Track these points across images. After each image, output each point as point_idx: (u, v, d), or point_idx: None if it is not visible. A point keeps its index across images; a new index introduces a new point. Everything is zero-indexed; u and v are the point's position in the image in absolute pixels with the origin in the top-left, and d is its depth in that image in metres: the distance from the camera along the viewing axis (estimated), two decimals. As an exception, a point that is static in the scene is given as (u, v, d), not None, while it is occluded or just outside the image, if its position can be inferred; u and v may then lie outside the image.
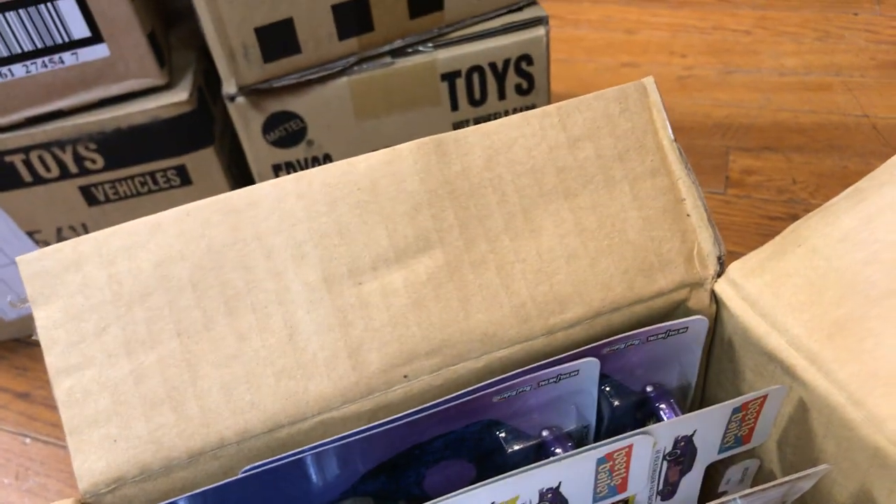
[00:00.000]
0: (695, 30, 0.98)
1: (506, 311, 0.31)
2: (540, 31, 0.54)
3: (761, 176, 0.76)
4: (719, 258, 0.33)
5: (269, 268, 0.29)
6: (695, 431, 0.27)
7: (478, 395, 0.28)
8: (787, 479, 0.27)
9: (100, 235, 0.29)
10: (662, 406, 0.31)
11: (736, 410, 0.28)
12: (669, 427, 0.27)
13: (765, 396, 0.28)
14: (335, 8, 0.49)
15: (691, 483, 0.30)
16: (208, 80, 0.57)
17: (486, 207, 0.31)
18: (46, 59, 0.50)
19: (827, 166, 0.76)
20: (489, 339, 0.30)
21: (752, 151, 0.79)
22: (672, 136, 0.34)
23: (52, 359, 0.28)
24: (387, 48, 0.52)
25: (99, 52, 0.50)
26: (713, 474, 0.34)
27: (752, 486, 0.32)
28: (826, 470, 0.28)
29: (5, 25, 0.48)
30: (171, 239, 0.29)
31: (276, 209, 0.30)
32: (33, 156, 0.54)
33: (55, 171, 0.55)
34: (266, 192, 0.30)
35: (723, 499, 0.27)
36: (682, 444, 0.27)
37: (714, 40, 0.96)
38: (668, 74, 0.91)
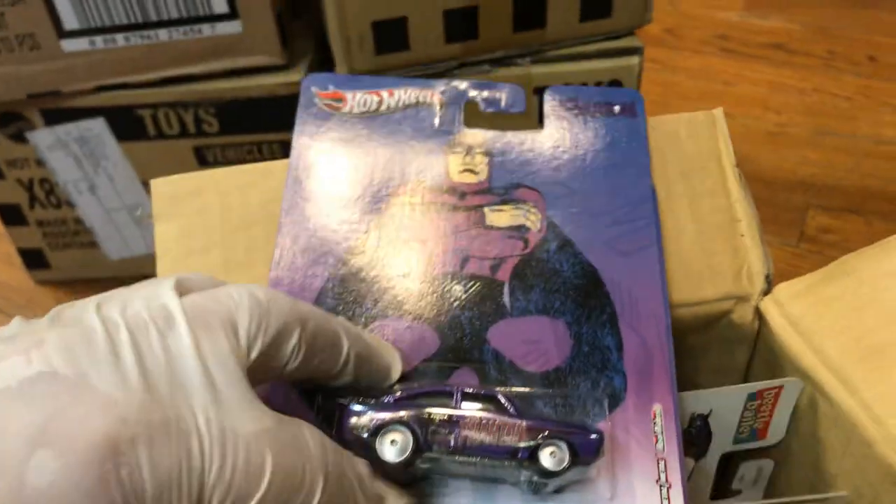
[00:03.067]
0: (794, 90, 0.98)
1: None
2: (634, 61, 0.57)
3: (838, 236, 0.76)
4: (767, 277, 0.35)
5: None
6: (710, 411, 0.30)
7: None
8: (807, 497, 0.29)
9: (219, 172, 0.34)
10: None
11: (751, 397, 0.30)
12: (683, 399, 0.29)
13: (780, 387, 0.30)
14: (447, 13, 0.54)
15: (706, 471, 0.32)
16: (320, 69, 0.62)
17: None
18: (188, 27, 0.56)
19: (908, 236, 0.75)
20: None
21: (832, 211, 0.79)
22: (735, 162, 0.36)
23: (161, 267, 0.33)
24: (486, 57, 0.57)
25: (233, 27, 0.56)
26: (728, 470, 0.36)
27: (765, 490, 0.34)
28: (845, 499, 0.29)
29: (159, -6, 0.54)
30: (278, 183, 0.34)
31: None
32: (160, 112, 0.60)
33: (176, 129, 0.61)
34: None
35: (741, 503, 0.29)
36: (698, 423, 0.30)
37: (812, 102, 0.96)
38: (759, 128, 0.92)
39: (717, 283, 0.35)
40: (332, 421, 0.27)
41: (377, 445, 0.26)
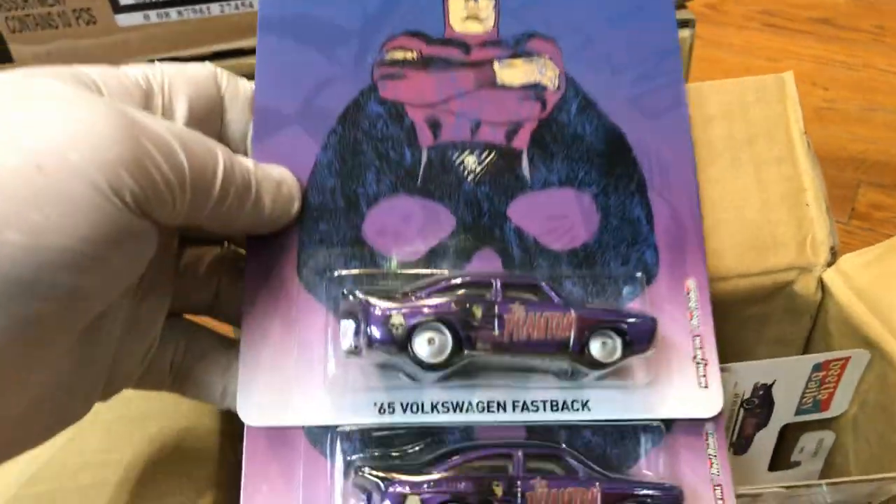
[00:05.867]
0: (842, 65, 0.96)
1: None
2: (686, 33, 0.56)
3: (890, 212, 0.75)
4: (832, 248, 0.34)
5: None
6: (774, 381, 0.29)
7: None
8: (878, 476, 0.29)
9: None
10: None
11: (817, 367, 0.30)
12: (747, 368, 0.29)
13: (847, 358, 0.29)
14: None
15: (765, 441, 0.32)
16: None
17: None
18: (239, 2, 0.56)
19: (962, 212, 0.74)
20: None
21: (884, 188, 0.78)
22: (803, 129, 0.36)
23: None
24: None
25: (283, 1, 0.56)
26: (787, 441, 0.36)
27: (825, 462, 0.33)
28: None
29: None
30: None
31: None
32: (211, 87, 0.60)
33: (226, 104, 0.61)
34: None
35: (808, 482, 0.29)
36: (761, 392, 0.29)
37: (861, 77, 0.93)
38: (806, 104, 0.89)
39: (779, 254, 0.34)
40: (356, 320, 0.25)
41: (412, 345, 0.24)
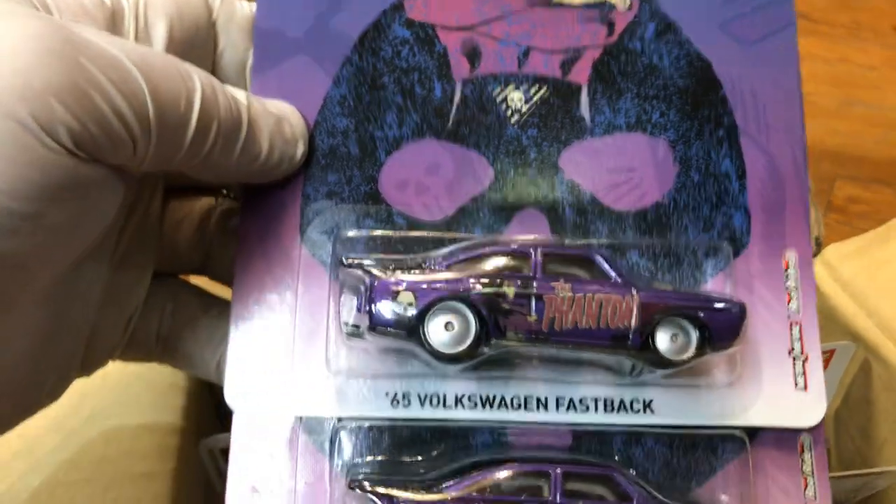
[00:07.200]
0: (819, 59, 0.95)
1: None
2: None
3: (867, 206, 0.74)
4: (817, 239, 0.33)
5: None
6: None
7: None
8: (865, 472, 0.26)
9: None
10: None
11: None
12: None
13: (832, 351, 0.27)
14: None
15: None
16: None
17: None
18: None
19: (940, 207, 0.74)
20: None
21: (861, 182, 0.77)
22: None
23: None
24: None
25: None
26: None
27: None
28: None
29: None
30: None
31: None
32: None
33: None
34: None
35: None
36: None
37: (838, 72, 0.93)
38: (785, 95, 0.89)
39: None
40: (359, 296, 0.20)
41: (425, 331, 0.19)
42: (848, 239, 0.33)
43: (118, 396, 0.30)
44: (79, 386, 0.23)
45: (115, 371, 0.30)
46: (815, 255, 0.32)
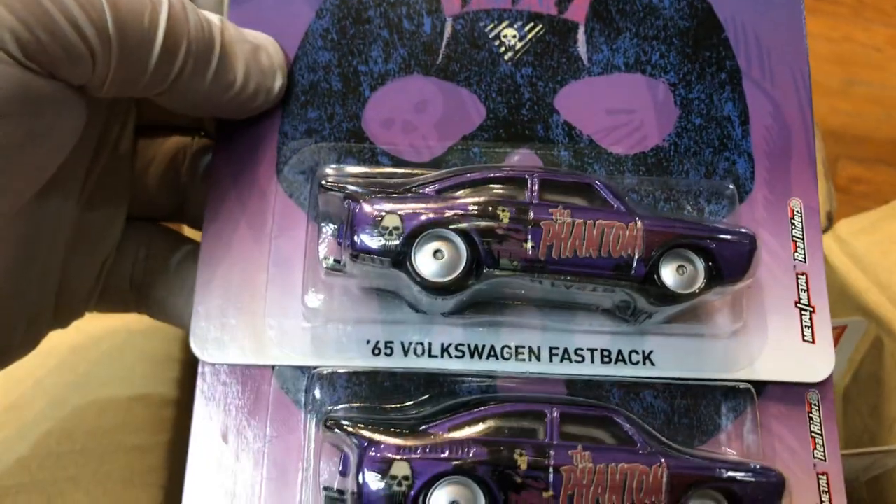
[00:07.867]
0: (823, 38, 0.94)
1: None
2: None
3: (869, 186, 0.73)
4: (829, 214, 0.32)
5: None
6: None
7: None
8: (876, 449, 0.25)
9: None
10: None
11: None
12: None
13: (844, 327, 0.26)
14: None
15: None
16: None
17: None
18: None
19: (943, 188, 0.73)
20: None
21: (863, 162, 0.76)
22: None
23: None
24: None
25: None
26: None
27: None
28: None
29: None
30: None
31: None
32: None
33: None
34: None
35: None
36: None
37: (842, 51, 0.92)
38: (787, 73, 0.87)
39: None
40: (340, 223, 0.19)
41: (412, 258, 0.18)
42: (859, 215, 0.33)
43: (112, 367, 0.29)
44: (63, 348, 0.22)
45: (108, 341, 0.29)
46: (825, 230, 0.31)
